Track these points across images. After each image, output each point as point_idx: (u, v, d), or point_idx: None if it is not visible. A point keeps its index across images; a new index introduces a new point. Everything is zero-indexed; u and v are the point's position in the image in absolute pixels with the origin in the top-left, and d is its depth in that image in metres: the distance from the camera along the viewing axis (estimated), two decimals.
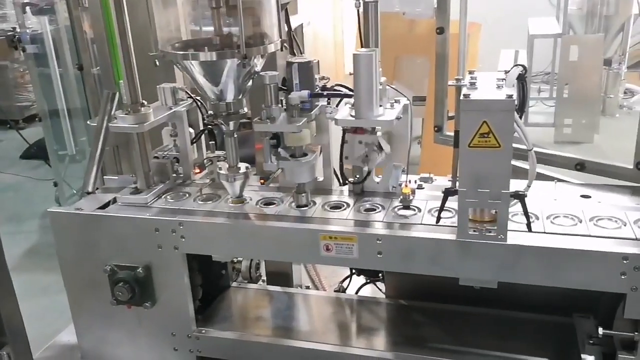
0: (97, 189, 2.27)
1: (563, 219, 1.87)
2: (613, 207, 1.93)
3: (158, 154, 2.31)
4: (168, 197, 2.22)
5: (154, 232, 2.05)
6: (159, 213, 2.10)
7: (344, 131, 2.07)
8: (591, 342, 1.91)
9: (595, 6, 6.99)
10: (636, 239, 1.73)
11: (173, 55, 1.93)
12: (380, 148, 2.04)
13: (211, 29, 1.94)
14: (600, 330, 1.79)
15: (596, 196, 2.06)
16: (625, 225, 1.81)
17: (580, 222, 1.84)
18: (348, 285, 2.67)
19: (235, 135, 2.06)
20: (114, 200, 2.21)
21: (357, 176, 2.15)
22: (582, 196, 2.06)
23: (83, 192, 2.24)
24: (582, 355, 1.91)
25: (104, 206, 2.19)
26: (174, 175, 2.29)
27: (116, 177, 2.41)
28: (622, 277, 1.66)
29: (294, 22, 4.44)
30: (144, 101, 2.12)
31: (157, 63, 1.94)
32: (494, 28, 6.75)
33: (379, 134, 2.04)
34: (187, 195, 2.23)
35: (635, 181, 2.18)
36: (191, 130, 2.32)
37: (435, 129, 2.78)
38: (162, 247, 2.06)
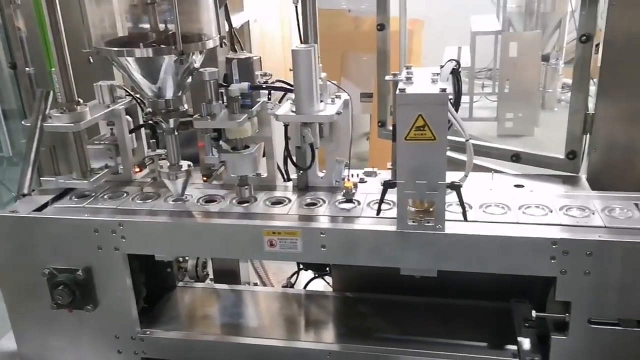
0: (33, 190, 2.21)
1: (494, 207, 1.94)
2: (543, 196, 2.01)
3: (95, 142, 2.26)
4: (107, 196, 2.17)
5: (93, 233, 2.00)
6: (97, 213, 2.06)
7: (286, 127, 2.08)
8: (527, 325, 1.99)
9: (533, 4, 7.25)
10: (562, 225, 1.81)
11: (107, 52, 1.89)
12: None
13: (147, 25, 1.91)
14: (534, 313, 1.86)
15: (529, 185, 2.14)
16: (552, 212, 1.89)
17: (510, 210, 1.92)
18: (296, 281, 2.69)
19: (176, 133, 2.04)
20: (52, 201, 2.15)
21: (300, 172, 2.16)
22: (516, 186, 2.14)
23: (18, 194, 2.17)
24: (518, 338, 1.99)
25: (41, 208, 2.12)
26: (113, 165, 2.24)
27: (53, 178, 2.34)
28: (552, 261, 1.74)
29: (240, 19, 4.41)
30: (79, 99, 2.07)
31: (91, 60, 1.90)
32: (437, 25, 6.91)
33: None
34: (127, 194, 2.19)
35: (567, 170, 2.28)
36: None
37: (379, 124, 2.83)
38: (102, 248, 2.02)
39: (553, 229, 1.79)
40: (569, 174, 2.26)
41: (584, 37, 2.11)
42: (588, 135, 2.22)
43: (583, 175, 2.25)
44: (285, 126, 2.09)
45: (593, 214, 1.87)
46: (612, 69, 2.12)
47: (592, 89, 2.21)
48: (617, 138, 2.17)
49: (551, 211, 1.90)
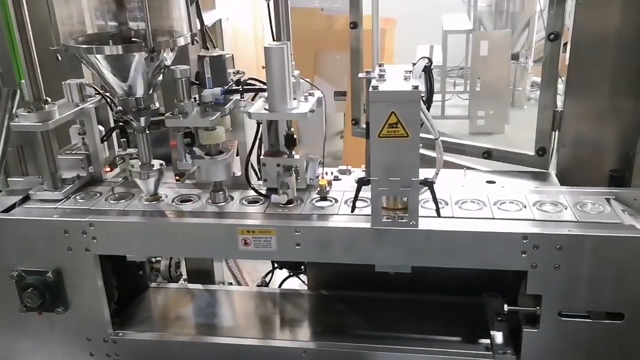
0: (0, 191, 2.15)
1: (470, 203, 1.96)
2: (515, 191, 2.04)
3: (66, 152, 2.22)
4: (78, 197, 2.13)
5: (62, 234, 1.97)
6: (67, 214, 2.02)
7: (259, 124, 2.07)
8: (499, 319, 2.03)
9: (503, 3, 7.35)
10: (535, 220, 1.84)
11: (76, 50, 1.85)
12: (297, 172, 2.04)
13: (117, 22, 1.88)
14: (506, 307, 1.89)
15: (500, 181, 2.17)
16: (525, 207, 1.92)
17: (485, 205, 1.94)
18: (270, 280, 2.68)
19: (148, 132, 2.01)
20: (21, 202, 2.11)
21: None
22: (488, 182, 2.17)
23: None
24: (491, 332, 2.02)
25: (9, 209, 2.07)
26: (84, 175, 2.21)
27: (21, 179, 2.29)
28: (523, 255, 1.77)
29: (212, 17, 4.38)
30: (47, 98, 2.03)
31: (59, 58, 1.86)
32: (409, 24, 6.95)
33: (297, 156, 2.04)
34: (98, 194, 2.15)
35: (536, 166, 2.32)
36: (101, 128, 2.24)
37: (353, 122, 2.83)
38: (72, 249, 1.98)
39: (524, 224, 1.82)
40: (538, 170, 2.30)
41: (552, 36, 2.15)
42: (557, 132, 2.27)
43: (552, 171, 2.30)
44: (258, 124, 2.08)
45: (566, 209, 1.91)
46: (580, 67, 2.16)
47: (561, 87, 2.26)
48: (585, 134, 2.22)
49: (525, 207, 1.93)
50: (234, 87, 2.04)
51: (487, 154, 2.47)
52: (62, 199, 2.11)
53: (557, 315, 1.82)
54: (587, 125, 2.21)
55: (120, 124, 2.21)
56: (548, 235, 1.75)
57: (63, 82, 2.17)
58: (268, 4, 2.00)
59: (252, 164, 2.23)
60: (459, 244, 1.81)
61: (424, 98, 1.82)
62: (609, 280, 1.76)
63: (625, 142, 2.19)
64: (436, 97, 7.19)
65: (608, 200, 1.95)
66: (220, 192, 2.07)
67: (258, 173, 2.26)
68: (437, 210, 1.84)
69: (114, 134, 2.30)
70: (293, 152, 2.04)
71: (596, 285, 1.77)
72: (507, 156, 2.43)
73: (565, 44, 2.22)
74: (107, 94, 2.20)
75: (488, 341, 2.01)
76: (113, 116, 2.25)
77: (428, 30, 7.49)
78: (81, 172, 2.20)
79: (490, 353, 1.97)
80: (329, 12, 5.66)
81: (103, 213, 2.03)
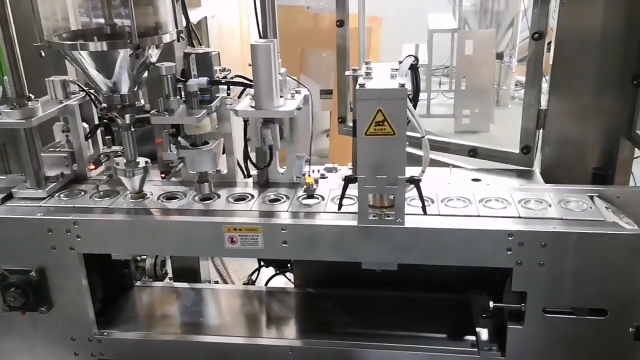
0: None
1: (455, 201, 1.97)
2: (500, 189, 2.06)
3: (50, 150, 2.19)
4: (62, 195, 2.11)
5: (46, 233, 1.94)
6: (51, 212, 2.00)
7: (246, 122, 2.06)
8: (484, 316, 2.04)
9: (487, 2, 7.41)
10: (520, 217, 1.86)
11: (60, 46, 1.83)
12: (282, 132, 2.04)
13: (102, 18, 1.86)
14: (491, 304, 1.91)
15: (486, 179, 2.19)
16: (510, 205, 1.94)
17: (471, 203, 1.95)
18: (257, 278, 2.67)
19: (133, 129, 2.00)
20: (4, 200, 2.08)
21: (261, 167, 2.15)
22: (473, 180, 2.18)
23: None
24: (477, 329, 2.04)
25: None
26: (68, 173, 2.18)
27: (4, 177, 2.26)
28: (508, 252, 1.78)
29: (198, 14, 4.34)
30: (30, 95, 2.00)
31: (43, 54, 1.83)
32: (395, 23, 6.97)
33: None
34: (83, 192, 2.13)
35: (521, 164, 2.34)
36: (85, 125, 2.22)
37: (340, 120, 2.84)
38: (56, 248, 1.96)
39: (509, 222, 1.84)
40: (523, 167, 2.32)
41: (536, 35, 2.16)
42: (541, 131, 2.29)
43: (537, 169, 2.32)
44: (245, 122, 2.07)
45: (550, 206, 1.93)
46: (564, 65, 2.19)
47: (545, 86, 2.28)
48: (568, 133, 2.25)
49: (510, 204, 1.94)
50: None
51: (473, 152, 2.49)
52: (46, 197, 2.09)
53: (542, 311, 1.84)
54: (571, 123, 2.24)
55: (105, 121, 2.19)
56: (533, 232, 1.77)
57: (46, 79, 2.14)
58: (254, 1, 1.99)
59: (238, 162, 2.23)
60: (444, 242, 1.82)
61: (410, 96, 1.83)
62: (593, 276, 1.78)
63: (609, 140, 2.22)
64: (422, 95, 7.21)
65: (591, 197, 1.98)
66: (206, 184, 2.05)
67: (244, 171, 2.26)
68: (424, 208, 1.85)
69: (98, 131, 2.28)
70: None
71: (580, 281, 1.79)
72: (492, 154, 2.45)
73: (549, 43, 2.24)
74: (92, 91, 2.18)
75: (474, 338, 2.03)
76: (97, 113, 2.23)
77: (414, 29, 7.52)
78: (65, 170, 2.18)
79: (476, 349, 1.98)
80: (315, 10, 5.66)
81: (87, 211, 2.01)
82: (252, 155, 2.15)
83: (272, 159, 2.12)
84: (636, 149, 2.20)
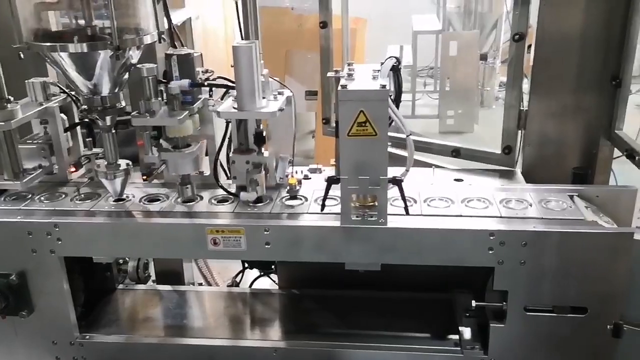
0: None
1: (438, 201, 1.98)
2: (482, 189, 2.08)
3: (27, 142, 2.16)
4: (42, 197, 2.09)
5: (26, 236, 1.92)
6: (31, 215, 1.98)
7: (228, 123, 2.05)
8: (467, 315, 2.05)
9: (471, 4, 7.46)
10: (501, 217, 1.88)
11: (39, 48, 1.81)
12: (267, 169, 2.03)
13: (82, 19, 1.84)
14: (474, 303, 1.92)
15: (468, 179, 2.21)
16: (492, 205, 1.95)
17: (453, 203, 1.97)
18: (241, 280, 2.66)
19: (114, 131, 1.98)
20: None
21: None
22: (456, 180, 2.20)
23: None
24: (460, 328, 2.05)
25: None
26: (47, 165, 2.16)
27: None
28: (490, 252, 1.80)
29: (182, 15, 4.32)
30: (10, 97, 1.98)
31: (22, 56, 1.81)
32: (380, 24, 7.00)
33: (266, 154, 2.03)
34: (64, 195, 2.11)
35: (503, 164, 2.36)
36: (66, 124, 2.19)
37: (324, 121, 2.84)
38: (36, 251, 1.94)
39: (491, 221, 1.85)
40: (505, 168, 2.34)
41: (517, 36, 2.19)
42: (523, 131, 2.31)
43: (518, 169, 2.34)
44: (227, 123, 2.06)
45: (531, 206, 1.94)
46: (544, 66, 2.21)
47: (526, 86, 2.30)
48: (549, 133, 2.27)
49: (492, 204, 1.96)
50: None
51: (456, 153, 2.50)
52: (27, 196, 2.06)
53: (523, 310, 1.85)
54: (551, 124, 2.26)
55: (86, 120, 2.17)
56: (514, 232, 1.79)
57: (26, 81, 2.12)
58: (236, 3, 1.99)
59: (221, 163, 2.22)
60: (427, 242, 1.83)
61: (392, 97, 1.84)
62: (573, 275, 1.80)
63: (588, 140, 2.25)
64: (407, 96, 7.29)
65: (571, 197, 2.00)
66: (188, 187, 2.05)
67: (227, 172, 2.25)
68: (406, 208, 1.86)
69: (79, 134, 2.26)
70: (262, 150, 2.04)
71: (560, 280, 1.81)
72: (474, 154, 2.47)
73: (530, 45, 2.27)
74: (72, 93, 2.16)
75: (457, 337, 2.04)
76: (78, 115, 2.21)
77: (398, 31, 7.56)
78: (43, 162, 2.15)
79: (459, 348, 1.99)
80: (299, 11, 5.66)
81: (68, 214, 1.99)
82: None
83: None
84: (615, 149, 2.23)
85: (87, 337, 2.11)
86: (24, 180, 2.05)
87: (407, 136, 1.87)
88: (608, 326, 1.81)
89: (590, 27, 2.13)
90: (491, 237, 1.78)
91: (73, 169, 2.23)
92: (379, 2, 7.82)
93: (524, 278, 1.81)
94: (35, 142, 2.16)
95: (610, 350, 1.85)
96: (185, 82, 1.95)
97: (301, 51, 5.61)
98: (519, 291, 1.84)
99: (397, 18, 7.90)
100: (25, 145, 2.14)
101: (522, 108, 2.29)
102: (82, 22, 1.85)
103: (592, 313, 1.83)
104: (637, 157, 2.02)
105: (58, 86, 2.17)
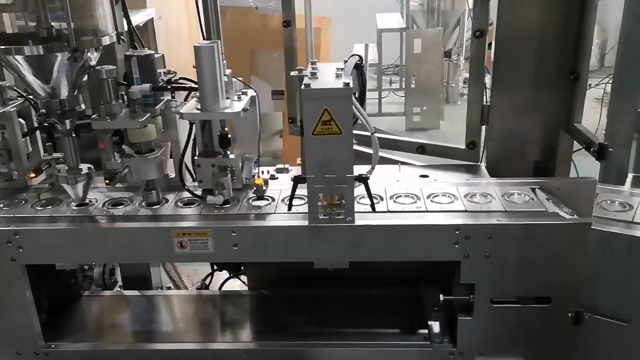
0: None
1: (404, 198, 2.00)
2: (447, 184, 2.10)
3: None
4: (1, 204, 2.03)
5: None
6: None
7: (191, 125, 2.03)
8: (436, 309, 2.08)
9: (434, 2, 7.55)
10: (466, 211, 1.90)
11: None
12: (233, 171, 2.02)
13: (37, 21, 1.79)
14: (441, 297, 1.94)
15: (434, 175, 2.23)
16: (457, 199, 1.98)
17: (419, 199, 1.98)
18: (210, 282, 2.64)
19: (74, 135, 1.94)
20: None
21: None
22: (421, 176, 2.22)
23: None
24: (429, 322, 2.07)
25: None
26: (6, 171, 2.10)
27: None
28: (456, 246, 1.82)
29: (144, 16, 4.25)
30: None
31: None
32: (345, 23, 7.03)
33: (232, 156, 2.01)
34: (24, 202, 2.06)
35: (467, 159, 2.39)
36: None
37: (290, 120, 2.83)
38: None
39: (456, 216, 1.88)
40: (470, 163, 2.38)
41: (478, 33, 2.22)
42: (486, 126, 2.35)
43: (483, 164, 2.38)
44: (191, 124, 2.04)
45: (494, 199, 1.98)
46: (504, 63, 2.25)
47: (489, 82, 2.33)
48: (511, 128, 2.31)
49: (457, 199, 1.98)
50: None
51: (421, 149, 2.53)
52: None
53: (490, 302, 1.88)
54: (513, 118, 2.30)
55: (45, 124, 2.11)
56: (478, 225, 1.81)
57: None
58: (197, 2, 1.97)
59: (186, 165, 2.19)
60: (394, 238, 1.85)
61: (356, 95, 1.84)
62: (536, 266, 1.83)
63: (549, 134, 2.30)
64: (373, 94, 7.33)
65: (533, 189, 2.04)
66: (153, 192, 2.02)
67: (193, 174, 2.22)
68: (372, 206, 1.87)
69: (39, 139, 2.20)
70: (228, 152, 2.02)
71: (524, 271, 1.84)
72: (440, 150, 2.49)
73: (491, 43, 2.30)
74: (30, 96, 2.10)
75: (426, 331, 2.06)
76: (36, 119, 2.15)
77: (363, 29, 7.60)
78: (1, 168, 2.10)
79: (429, 342, 2.02)
80: (263, 10, 5.64)
81: (29, 220, 1.94)
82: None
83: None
84: (575, 142, 2.28)
85: (53, 345, 2.06)
86: None
87: (372, 134, 1.88)
88: (569, 314, 1.86)
89: (547, 24, 2.18)
90: (457, 232, 1.81)
91: (33, 175, 2.17)
92: (344, 1, 7.85)
93: (490, 271, 1.84)
94: None
95: (572, 337, 1.89)
96: (147, 86, 1.92)
97: (267, 51, 5.58)
98: (485, 284, 1.86)
99: (362, 17, 7.94)
100: None
101: (484, 104, 2.32)
102: (38, 24, 1.81)
103: (556, 302, 1.87)
104: (593, 149, 2.07)
105: (15, 90, 2.11)
